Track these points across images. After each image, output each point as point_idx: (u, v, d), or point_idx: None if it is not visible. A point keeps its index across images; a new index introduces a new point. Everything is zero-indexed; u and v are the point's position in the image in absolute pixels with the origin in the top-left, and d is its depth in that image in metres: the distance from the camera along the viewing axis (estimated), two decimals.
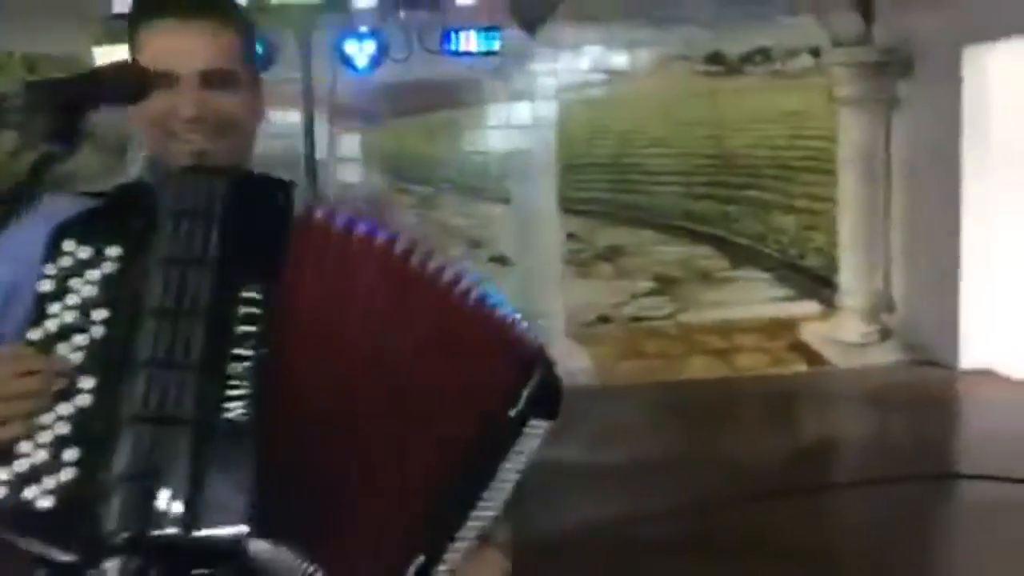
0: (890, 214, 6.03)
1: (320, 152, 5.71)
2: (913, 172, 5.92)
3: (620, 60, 5.77)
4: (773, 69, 5.86)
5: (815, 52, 5.86)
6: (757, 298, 6.04)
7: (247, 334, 0.92)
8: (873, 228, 6.04)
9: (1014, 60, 5.19)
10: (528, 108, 5.72)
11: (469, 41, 3.80)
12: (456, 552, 1.01)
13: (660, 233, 5.94)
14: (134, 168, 1.21)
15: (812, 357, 6.09)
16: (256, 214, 0.98)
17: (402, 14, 3.75)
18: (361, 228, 1.01)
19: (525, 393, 1.05)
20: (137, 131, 1.16)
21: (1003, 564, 3.28)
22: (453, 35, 3.82)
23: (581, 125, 5.81)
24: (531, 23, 5.59)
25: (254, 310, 0.92)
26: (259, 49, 3.54)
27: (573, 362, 5.94)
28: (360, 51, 3.63)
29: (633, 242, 5.94)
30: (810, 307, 6.09)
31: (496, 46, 3.91)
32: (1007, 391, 5.32)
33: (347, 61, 3.64)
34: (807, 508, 3.94)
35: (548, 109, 5.74)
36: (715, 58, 5.82)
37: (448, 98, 5.70)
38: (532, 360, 1.07)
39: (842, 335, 6.10)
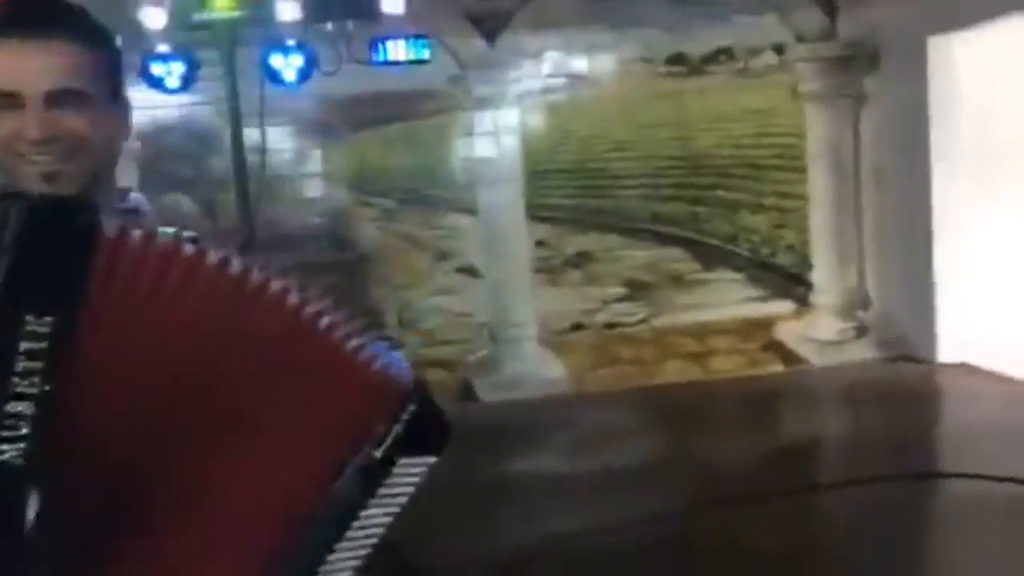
0: (861, 209, 5.97)
1: (284, 168, 5.62)
2: (883, 166, 5.86)
3: (581, 65, 5.70)
4: (737, 68, 5.80)
5: (779, 49, 5.80)
6: (730, 299, 5.97)
7: (29, 370, 0.84)
8: (844, 224, 5.98)
9: (979, 49, 5.14)
10: (491, 116, 5.64)
11: (398, 50, 3.73)
12: None
13: (629, 237, 5.87)
14: None
15: (788, 356, 6.02)
16: (52, 240, 0.88)
17: (329, 26, 3.66)
18: (187, 250, 0.93)
19: (394, 429, 0.97)
20: None
21: (981, 563, 3.22)
22: (380, 45, 3.74)
23: (544, 132, 5.74)
24: (490, 31, 5.52)
25: (38, 344, 0.84)
26: (183, 67, 3.47)
27: (547, 371, 5.87)
28: (287, 64, 3.55)
29: (602, 247, 5.86)
30: (784, 306, 6.02)
31: (426, 55, 3.84)
32: (985, 384, 5.26)
33: (273, 76, 3.55)
34: (786, 511, 3.88)
35: (511, 117, 5.66)
36: (677, 59, 5.76)
37: (407, 109, 5.62)
38: (401, 393, 0.99)
39: (817, 333, 6.04)
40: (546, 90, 5.68)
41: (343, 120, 5.62)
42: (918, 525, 3.69)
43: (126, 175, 4.96)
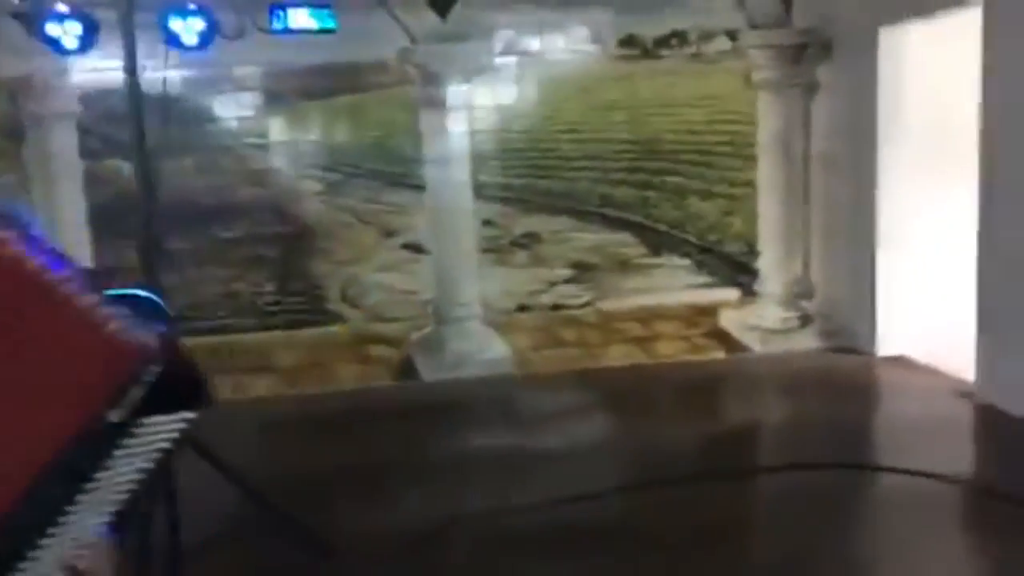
0: (809, 200, 6.00)
1: (228, 137, 5.51)
2: (831, 157, 5.89)
3: (532, 44, 5.63)
4: (690, 52, 5.77)
5: (732, 35, 5.78)
6: (676, 285, 5.98)
7: None
8: (792, 214, 6.01)
9: (930, 39, 5.16)
10: (440, 92, 5.56)
11: (298, 18, 3.67)
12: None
13: (577, 220, 5.84)
14: None
15: (731, 344, 6.06)
16: None
17: None
18: None
19: (132, 391, 0.95)
20: None
21: (909, 555, 3.26)
22: (280, 12, 3.69)
23: (494, 110, 5.67)
24: (442, 6, 5.44)
25: None
26: (79, 27, 3.37)
27: (491, 351, 5.85)
28: (185, 28, 3.48)
29: (550, 229, 5.83)
30: (729, 293, 6.05)
31: (333, 24, 3.78)
32: (921, 378, 5.33)
33: (173, 39, 3.48)
34: (722, 494, 3.90)
35: (460, 94, 5.58)
36: (630, 41, 5.72)
37: (356, 82, 5.53)
38: (141, 355, 0.96)
39: (761, 321, 6.08)
40: (497, 68, 5.62)
41: (291, 90, 5.52)
42: (851, 513, 3.72)
43: (66, 138, 4.80)
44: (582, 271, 5.90)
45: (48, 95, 5.18)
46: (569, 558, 3.36)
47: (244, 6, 3.63)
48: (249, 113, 5.54)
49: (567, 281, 5.89)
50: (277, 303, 5.61)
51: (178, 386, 0.99)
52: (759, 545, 3.55)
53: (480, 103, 5.64)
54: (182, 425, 1.00)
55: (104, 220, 5.30)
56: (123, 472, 0.97)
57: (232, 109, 5.51)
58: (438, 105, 5.56)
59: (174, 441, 1.00)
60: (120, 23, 3.06)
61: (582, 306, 5.92)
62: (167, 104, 5.36)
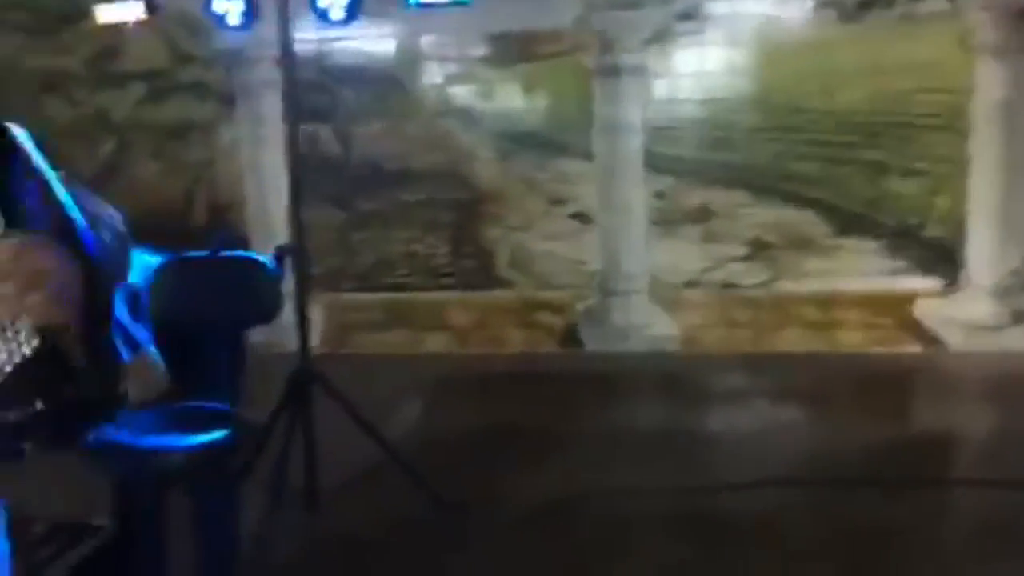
0: None
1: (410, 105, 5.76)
2: None
3: (715, 8, 5.33)
4: (896, 14, 5.20)
5: None
6: (865, 269, 5.49)
7: None
8: (1012, 196, 5.28)
9: None
10: (615, 60, 5.45)
11: None
12: None
13: (755, 195, 5.51)
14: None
15: (926, 338, 5.48)
16: None
17: None
18: None
19: None
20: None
21: None
22: None
23: (672, 78, 5.46)
24: None
25: None
26: (242, 4, 3.62)
27: (656, 327, 5.73)
28: (333, 3, 3.64)
29: (725, 203, 5.56)
30: (928, 282, 5.46)
31: None
32: None
33: (322, 14, 3.65)
34: (883, 504, 3.58)
35: (635, 60, 5.43)
36: (827, 2, 5.25)
37: (531, 49, 5.55)
38: None
39: (966, 315, 5.43)
40: (677, 34, 5.39)
41: (469, 59, 5.66)
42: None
43: (269, 104, 5.26)
44: (758, 249, 5.58)
45: (255, 65, 5.68)
46: (691, 544, 3.25)
47: None
48: (434, 81, 5.76)
49: (741, 259, 5.61)
50: (451, 265, 5.84)
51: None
52: (900, 567, 3.16)
53: (657, 70, 5.45)
54: None
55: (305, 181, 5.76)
56: None
57: (416, 77, 5.75)
58: (612, 73, 5.45)
59: None
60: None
61: (757, 286, 5.62)
62: (358, 73, 5.73)
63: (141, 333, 2.39)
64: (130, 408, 2.32)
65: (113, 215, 2.20)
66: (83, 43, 5.83)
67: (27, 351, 1.09)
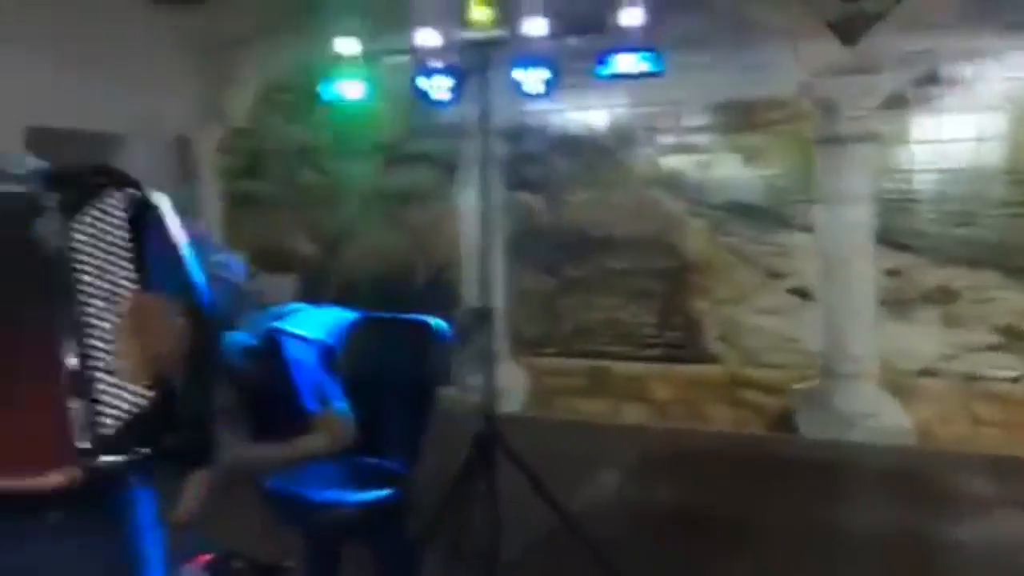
0: None
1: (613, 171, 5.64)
2: None
3: (958, 72, 4.70)
4: None
5: None
6: None
7: None
8: None
9: None
10: (840, 128, 4.98)
11: (628, 63, 3.60)
12: None
13: (1008, 276, 4.79)
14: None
15: None
16: None
17: (572, 40, 3.67)
18: None
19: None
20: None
21: None
22: (607, 59, 3.66)
23: (905, 146, 4.90)
24: (848, 33, 4.84)
25: None
26: (451, 81, 3.69)
27: (887, 417, 5.16)
28: (528, 77, 3.61)
29: (971, 284, 4.88)
30: None
31: (660, 67, 3.61)
32: None
33: (518, 88, 3.64)
34: None
35: (863, 127, 4.94)
36: None
37: (749, 118, 5.23)
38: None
39: None
40: (913, 99, 4.82)
41: (681, 128, 5.44)
42: None
43: (495, 174, 5.42)
44: (1012, 338, 4.84)
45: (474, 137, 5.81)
46: None
47: (575, 54, 3.74)
48: (642, 150, 5.60)
49: (991, 348, 4.89)
50: (656, 336, 5.63)
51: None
52: None
53: (891, 138, 4.91)
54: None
55: (516, 247, 5.86)
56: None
57: (623, 146, 5.63)
58: (836, 142, 5.01)
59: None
60: (478, 75, 3.39)
61: (1009, 380, 4.87)
62: (570, 143, 5.71)
63: (333, 388, 2.51)
64: (317, 460, 2.47)
65: (232, 265, 2.32)
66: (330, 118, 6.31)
67: (144, 403, 1.20)
